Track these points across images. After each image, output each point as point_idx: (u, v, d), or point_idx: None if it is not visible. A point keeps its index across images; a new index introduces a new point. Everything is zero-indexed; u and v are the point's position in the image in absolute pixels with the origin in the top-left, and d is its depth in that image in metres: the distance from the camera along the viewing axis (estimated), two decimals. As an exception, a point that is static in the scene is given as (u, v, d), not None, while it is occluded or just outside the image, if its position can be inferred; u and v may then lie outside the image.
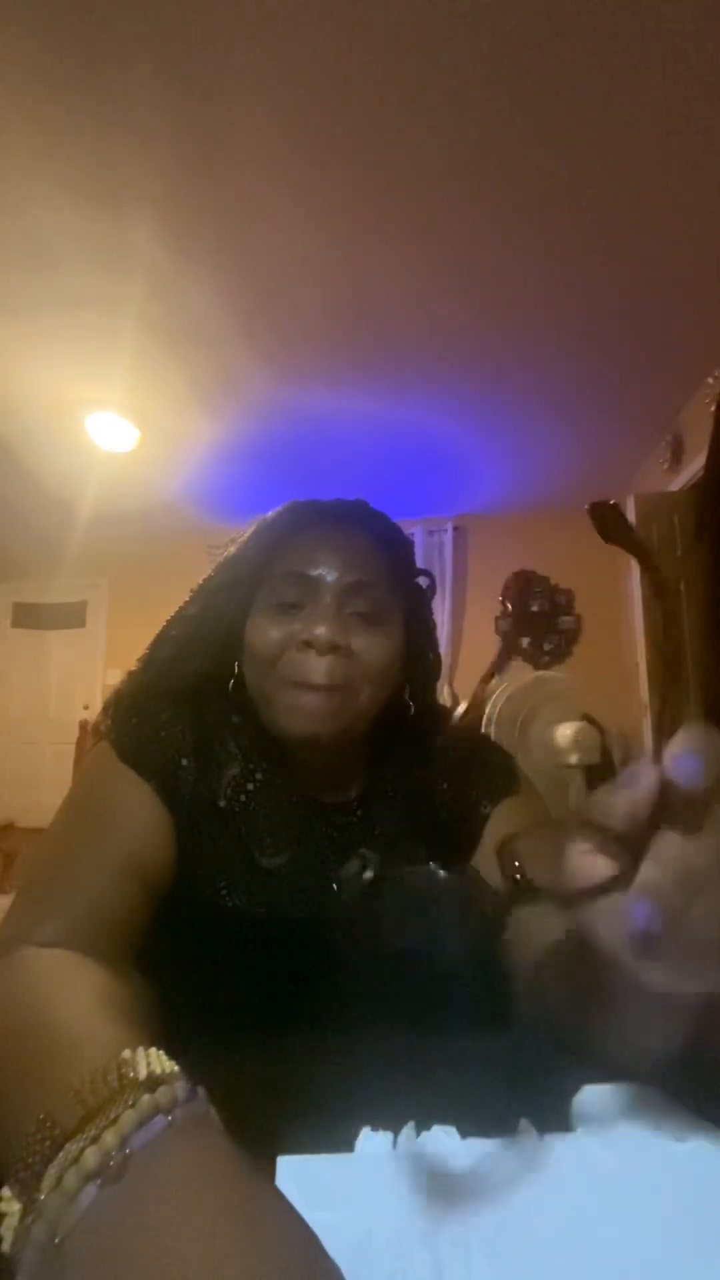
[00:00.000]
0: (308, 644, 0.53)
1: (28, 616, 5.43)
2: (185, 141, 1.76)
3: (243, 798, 0.56)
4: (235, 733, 0.59)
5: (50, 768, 4.98)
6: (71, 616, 5.34)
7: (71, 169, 1.85)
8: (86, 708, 4.97)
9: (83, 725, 4.85)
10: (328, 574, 0.55)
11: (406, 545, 0.64)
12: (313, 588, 0.55)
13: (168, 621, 0.63)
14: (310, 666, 0.52)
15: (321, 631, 0.52)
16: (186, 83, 1.60)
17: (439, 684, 0.69)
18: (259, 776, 0.57)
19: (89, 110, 1.67)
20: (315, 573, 0.55)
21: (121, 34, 1.48)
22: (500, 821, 0.60)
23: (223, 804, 0.55)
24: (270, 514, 0.61)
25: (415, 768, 0.64)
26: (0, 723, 5.28)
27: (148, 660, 0.62)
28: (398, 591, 0.59)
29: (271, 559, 0.58)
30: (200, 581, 0.63)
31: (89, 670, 5.17)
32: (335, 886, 0.56)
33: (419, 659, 0.63)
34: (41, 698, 5.28)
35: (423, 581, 0.65)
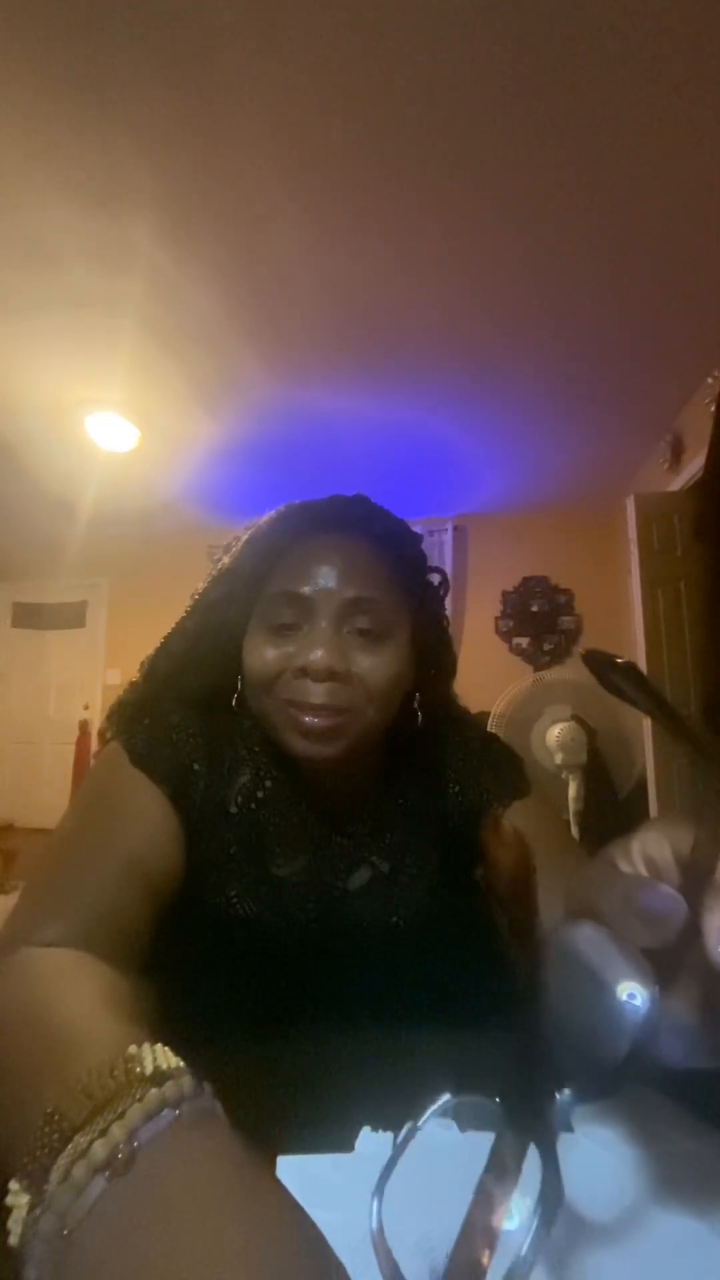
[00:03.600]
0: (303, 670, 0.51)
1: (28, 616, 5.43)
2: (185, 141, 1.76)
3: (253, 805, 0.55)
4: (246, 739, 0.58)
5: (50, 768, 4.98)
6: (71, 616, 5.33)
7: (71, 169, 1.85)
8: (86, 708, 4.96)
9: (83, 725, 4.87)
10: (324, 591, 0.52)
11: (413, 543, 0.61)
12: (308, 608, 0.52)
13: (167, 635, 0.61)
14: (308, 691, 0.51)
15: (318, 657, 0.50)
16: (187, 82, 1.60)
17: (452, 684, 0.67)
18: (269, 784, 0.56)
19: (89, 110, 1.67)
20: (310, 591, 0.52)
21: (122, 33, 1.48)
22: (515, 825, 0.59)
23: (234, 810, 0.55)
24: (263, 520, 0.58)
25: (427, 772, 0.62)
26: (0, 723, 5.27)
27: (148, 674, 0.61)
28: (404, 598, 0.56)
29: (266, 573, 0.55)
30: (198, 592, 0.61)
31: (89, 670, 5.17)
32: (345, 894, 0.56)
33: (431, 664, 0.61)
34: (41, 698, 5.28)
35: (434, 578, 0.62)
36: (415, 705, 0.59)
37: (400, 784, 0.61)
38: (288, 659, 0.52)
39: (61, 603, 5.32)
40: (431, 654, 0.61)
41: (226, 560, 0.59)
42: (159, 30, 1.47)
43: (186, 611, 0.61)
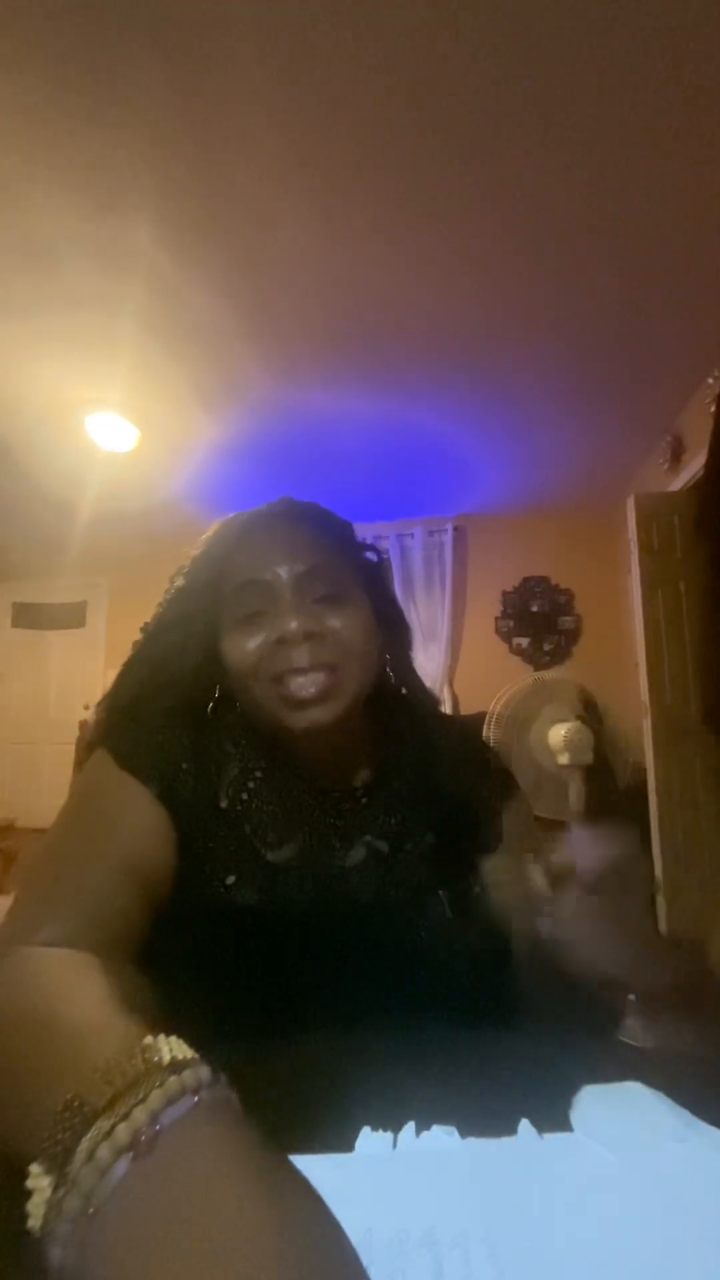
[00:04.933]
0: (281, 641, 0.53)
1: (28, 616, 5.43)
2: (185, 141, 1.76)
3: (244, 795, 0.56)
4: (231, 734, 0.59)
5: (50, 768, 4.98)
6: (71, 616, 5.33)
7: (71, 169, 1.85)
8: (86, 708, 4.96)
9: (82, 725, 4.84)
10: (279, 571, 0.56)
11: (345, 526, 0.65)
12: (269, 590, 0.55)
13: (125, 665, 0.63)
14: (291, 658, 0.53)
15: (292, 625, 0.53)
16: (187, 83, 1.60)
17: (442, 682, 0.70)
18: (259, 774, 0.58)
19: (89, 110, 1.67)
20: (267, 575, 0.56)
21: (122, 34, 1.48)
22: (512, 824, 0.62)
23: (224, 804, 0.56)
24: (203, 539, 0.62)
25: (415, 755, 0.64)
26: (0, 723, 5.27)
27: (111, 706, 0.62)
28: (352, 566, 0.60)
29: (219, 580, 0.58)
30: (152, 621, 0.63)
31: (89, 670, 5.17)
32: (343, 873, 0.57)
33: (390, 628, 0.64)
34: (41, 698, 5.28)
35: (371, 556, 0.66)
36: (388, 669, 0.63)
37: (392, 765, 0.62)
38: (265, 639, 0.54)
39: (61, 603, 5.32)
40: (389, 620, 0.64)
41: (181, 581, 0.62)
42: (159, 31, 1.47)
43: (145, 638, 0.63)
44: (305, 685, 0.53)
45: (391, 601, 0.66)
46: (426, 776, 0.63)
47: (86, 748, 0.61)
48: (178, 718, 0.58)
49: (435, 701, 0.72)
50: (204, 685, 0.60)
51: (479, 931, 0.56)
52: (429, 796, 0.62)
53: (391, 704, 0.63)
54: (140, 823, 0.51)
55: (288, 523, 0.60)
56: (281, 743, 0.57)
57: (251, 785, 0.57)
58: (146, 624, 0.64)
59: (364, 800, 0.60)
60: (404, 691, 0.66)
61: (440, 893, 0.58)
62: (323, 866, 0.56)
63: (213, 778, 0.56)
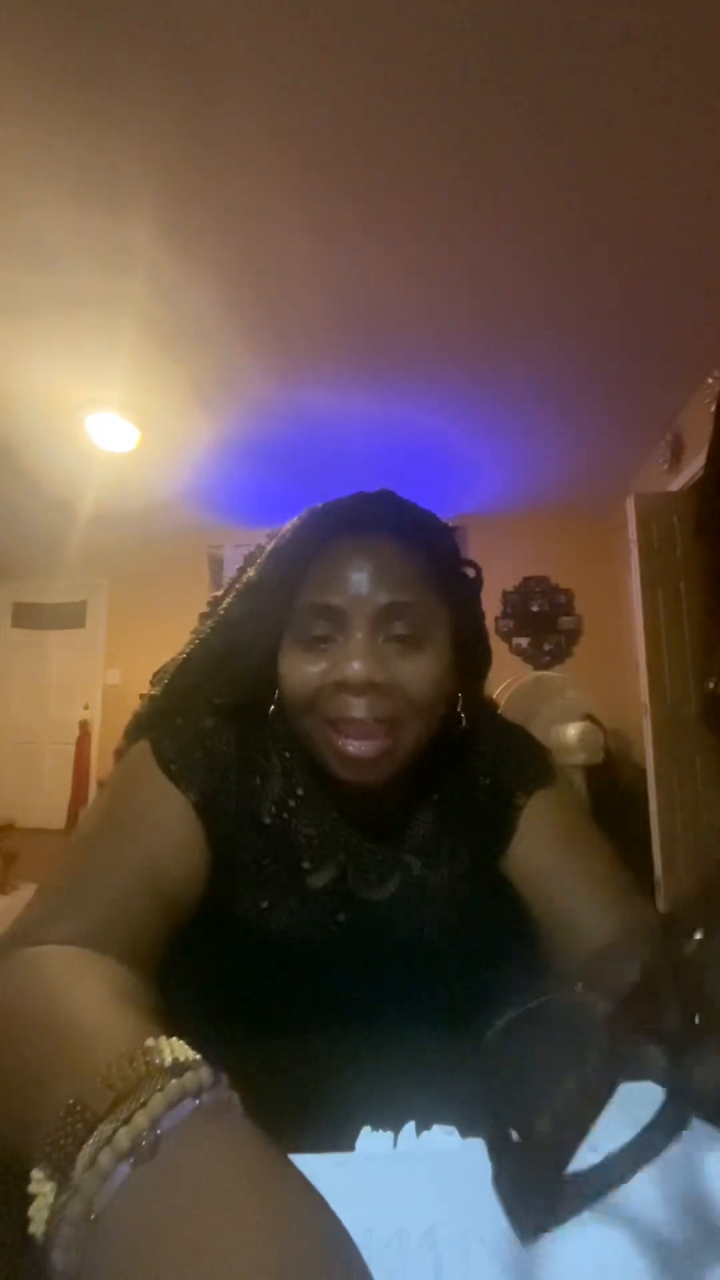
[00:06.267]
0: (342, 684, 0.48)
1: (28, 616, 5.43)
2: (185, 141, 1.76)
3: (285, 814, 0.55)
4: (277, 746, 0.56)
5: (50, 768, 4.99)
6: (71, 616, 5.33)
7: (71, 169, 1.85)
8: (86, 708, 4.96)
9: (83, 725, 4.85)
10: (356, 600, 0.49)
11: (444, 536, 0.57)
12: (341, 619, 0.50)
13: (189, 649, 0.59)
14: (349, 706, 0.48)
15: (356, 669, 0.47)
16: (187, 83, 1.60)
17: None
18: (300, 792, 0.55)
19: (89, 110, 1.67)
20: (342, 601, 0.50)
21: (122, 34, 1.48)
22: (535, 813, 0.58)
23: (267, 820, 0.54)
24: (286, 528, 0.55)
25: (460, 769, 0.61)
26: (0, 723, 5.28)
27: (169, 687, 0.59)
28: (440, 597, 0.54)
29: (294, 584, 0.53)
30: (219, 603, 0.59)
31: (89, 670, 5.17)
32: (377, 904, 0.55)
33: (471, 658, 0.59)
34: (41, 698, 5.28)
35: (469, 572, 0.60)
36: (459, 709, 0.56)
37: (434, 782, 0.59)
38: (325, 674, 0.50)
39: (61, 603, 5.32)
40: (471, 651, 0.58)
41: (251, 573, 0.56)
42: (158, 31, 1.47)
43: (211, 627, 0.59)
44: (360, 747, 0.48)
45: (478, 629, 0.61)
46: (464, 784, 0.60)
47: (135, 722, 0.59)
48: (228, 719, 0.56)
49: (501, 727, 0.66)
50: (264, 688, 0.55)
51: (506, 960, 0.54)
52: (464, 804, 0.59)
53: (449, 734, 0.57)
54: (172, 832, 0.49)
55: (379, 537, 0.52)
56: (326, 770, 0.53)
57: (292, 804, 0.55)
58: (215, 599, 0.59)
59: (402, 825, 0.57)
60: (466, 723, 0.58)
61: (472, 922, 0.55)
62: (357, 897, 0.54)
63: (256, 790, 0.54)
